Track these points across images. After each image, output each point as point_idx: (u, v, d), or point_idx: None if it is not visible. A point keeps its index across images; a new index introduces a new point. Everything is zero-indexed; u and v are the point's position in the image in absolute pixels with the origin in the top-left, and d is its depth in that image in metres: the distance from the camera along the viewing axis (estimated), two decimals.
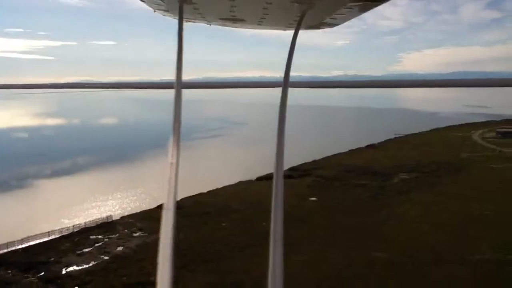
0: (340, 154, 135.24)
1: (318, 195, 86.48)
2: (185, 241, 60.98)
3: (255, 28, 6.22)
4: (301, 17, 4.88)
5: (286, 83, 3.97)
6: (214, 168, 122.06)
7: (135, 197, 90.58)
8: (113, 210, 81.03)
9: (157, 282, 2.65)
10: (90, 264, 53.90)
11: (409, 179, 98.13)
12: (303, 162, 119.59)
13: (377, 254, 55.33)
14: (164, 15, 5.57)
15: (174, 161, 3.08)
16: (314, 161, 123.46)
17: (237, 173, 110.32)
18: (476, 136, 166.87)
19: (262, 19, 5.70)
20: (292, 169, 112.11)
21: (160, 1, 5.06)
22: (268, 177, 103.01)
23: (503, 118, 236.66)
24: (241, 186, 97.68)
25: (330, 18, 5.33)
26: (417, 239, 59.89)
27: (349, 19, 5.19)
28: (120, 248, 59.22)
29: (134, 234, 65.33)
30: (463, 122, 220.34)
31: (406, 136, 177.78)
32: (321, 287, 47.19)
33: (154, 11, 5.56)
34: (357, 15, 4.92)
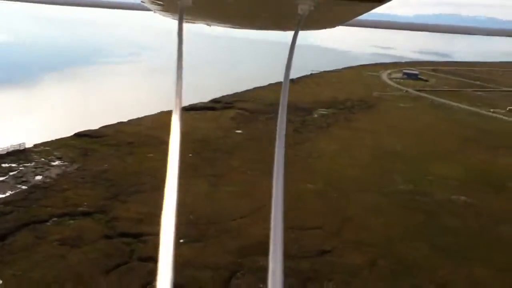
0: (260, 87, 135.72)
1: (243, 128, 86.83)
2: (112, 171, 58.38)
3: (255, 29, 6.42)
4: (301, 17, 4.75)
5: (286, 83, 3.88)
6: (131, 97, 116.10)
7: (41, 124, 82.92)
8: (21, 136, 73.89)
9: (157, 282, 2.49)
10: (7, 194, 49.47)
11: (328, 115, 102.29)
12: (224, 95, 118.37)
13: (307, 185, 57.88)
14: (164, 15, 5.56)
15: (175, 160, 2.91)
16: (236, 94, 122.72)
17: (157, 101, 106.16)
18: (384, 76, 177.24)
19: (262, 20, 5.73)
20: (214, 101, 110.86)
21: (160, 2, 4.98)
22: (192, 108, 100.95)
23: (407, 60, 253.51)
24: (163, 117, 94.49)
25: (331, 18, 5.40)
26: (340, 171, 63.56)
27: (350, 19, 5.23)
28: (39, 178, 54.89)
29: (53, 163, 60.76)
30: (372, 62, 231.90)
31: (321, 72, 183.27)
32: (257, 215, 48.48)
33: (154, 12, 5.52)
34: (358, 15, 4.96)
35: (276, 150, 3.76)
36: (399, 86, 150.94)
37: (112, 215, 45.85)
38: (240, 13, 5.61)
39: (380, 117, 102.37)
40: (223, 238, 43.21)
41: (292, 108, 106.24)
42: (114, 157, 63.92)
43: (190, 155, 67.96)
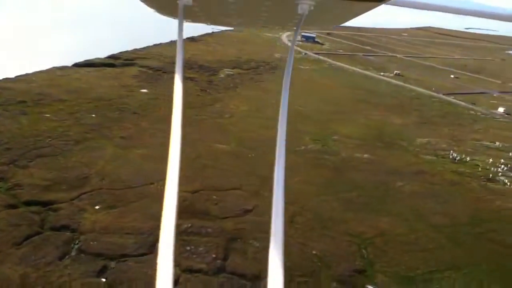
0: (162, 44, 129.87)
1: (148, 87, 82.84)
2: (6, 133, 52.15)
3: (255, 28, 5.26)
4: (301, 17, 4.79)
5: (286, 84, 3.63)
6: (14, 49, 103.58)
7: None
8: None
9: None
10: None
11: (234, 75, 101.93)
12: (123, 51, 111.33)
13: (221, 146, 57.65)
14: (164, 15, 5.61)
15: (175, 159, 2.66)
16: (136, 50, 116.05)
17: (46, 56, 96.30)
18: (284, 38, 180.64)
19: (262, 19, 5.68)
20: (112, 57, 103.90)
21: (160, 1, 5.03)
22: (88, 64, 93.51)
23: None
24: (56, 73, 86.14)
25: (332, 18, 5.43)
26: (253, 131, 64.25)
27: (350, 19, 5.26)
28: None
29: None
30: None
31: (222, 32, 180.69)
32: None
33: (154, 11, 5.55)
34: (358, 15, 5.02)
35: (277, 148, 3.38)
36: (298, 49, 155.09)
37: (13, 182, 41.19)
38: (240, 13, 5.46)
39: (280, 76, 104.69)
40: (143, 202, 41.50)
41: (197, 67, 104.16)
42: (6, 118, 56.97)
43: (93, 115, 63.44)
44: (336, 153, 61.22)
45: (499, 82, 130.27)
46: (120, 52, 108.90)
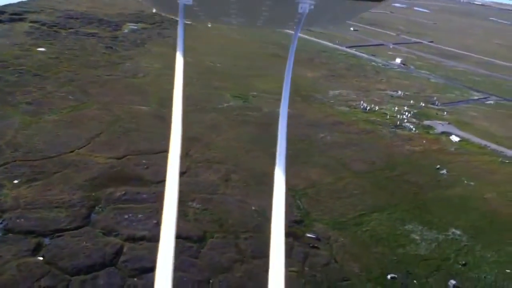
0: None
1: (44, 45, 74.83)
2: None
3: (255, 28, 5.80)
4: (302, 17, 4.77)
5: (287, 83, 3.75)
6: None
7: None
8: None
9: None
10: None
11: (139, 30, 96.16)
12: (7, 3, 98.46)
13: (140, 108, 54.80)
14: (164, 14, 5.24)
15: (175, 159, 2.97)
16: (21, 3, 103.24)
17: None
18: None
19: (262, 19, 5.60)
20: None
21: (160, 1, 5.06)
22: None
23: None
24: None
25: (332, 17, 5.34)
26: (171, 91, 61.62)
27: (350, 18, 5.15)
28: None
29: None
30: None
31: None
32: (96, 145, 44.14)
33: (154, 11, 5.46)
34: (358, 14, 5.06)
35: (278, 147, 3.49)
36: None
37: None
38: (240, 12, 5.40)
39: (196, 34, 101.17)
40: (67, 172, 38.34)
41: (96, 22, 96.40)
42: None
43: None
44: (258, 109, 61.68)
45: (393, 34, 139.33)
46: (4, 5, 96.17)
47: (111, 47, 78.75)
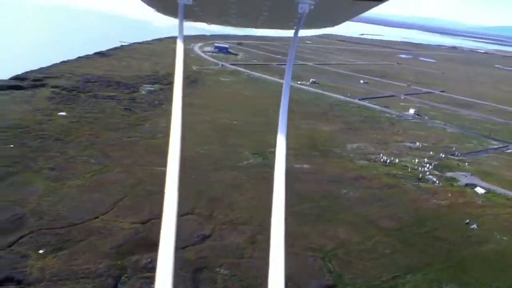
0: (69, 61, 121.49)
1: (65, 109, 76.47)
2: None
3: (255, 28, 6.36)
4: (302, 17, 4.79)
5: (287, 84, 3.87)
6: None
7: None
8: None
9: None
10: None
11: (156, 91, 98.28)
12: (28, 70, 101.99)
13: (160, 169, 54.69)
14: (164, 14, 5.63)
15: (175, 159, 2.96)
16: (42, 69, 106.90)
17: None
18: (197, 49, 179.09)
19: (262, 19, 5.67)
20: (18, 78, 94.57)
21: (160, 1, 5.06)
22: None
23: (213, 34, 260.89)
24: None
25: (331, 18, 5.47)
26: (192, 149, 62.08)
27: (350, 18, 5.30)
28: None
29: None
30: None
31: (131, 44, 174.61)
32: (120, 209, 43.70)
33: (154, 11, 5.52)
34: (358, 14, 5.05)
35: (277, 148, 3.52)
36: (214, 60, 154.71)
37: None
38: (240, 12, 5.45)
39: (208, 92, 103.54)
40: (92, 240, 37.70)
41: (115, 84, 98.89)
42: None
43: (12, 146, 56.87)
44: None
45: (404, 85, 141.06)
46: (26, 72, 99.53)
47: (130, 109, 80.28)
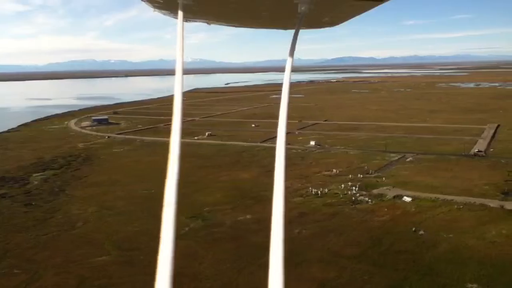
0: None
1: None
2: None
3: (255, 28, 6.36)
4: (302, 17, 4.87)
5: (286, 84, 4.16)
6: None
7: None
8: None
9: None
10: None
11: (50, 178, 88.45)
12: None
13: (99, 259, 48.46)
14: (164, 14, 5.57)
15: (175, 159, 3.24)
16: None
17: None
18: (73, 125, 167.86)
19: (263, 18, 5.83)
20: None
21: (160, 0, 5.05)
22: None
23: (81, 108, 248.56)
24: None
25: (331, 17, 5.53)
26: (123, 230, 56.51)
27: (350, 18, 5.42)
28: None
29: None
30: (44, 116, 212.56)
31: (10, 132, 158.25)
32: None
33: (154, 11, 5.52)
34: (358, 14, 5.21)
35: (277, 149, 3.54)
36: (98, 133, 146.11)
37: None
38: (240, 12, 5.61)
39: (108, 166, 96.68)
40: None
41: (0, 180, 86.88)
42: None
43: None
44: (221, 223, 58.88)
45: (296, 121, 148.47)
46: None
47: (31, 204, 70.56)
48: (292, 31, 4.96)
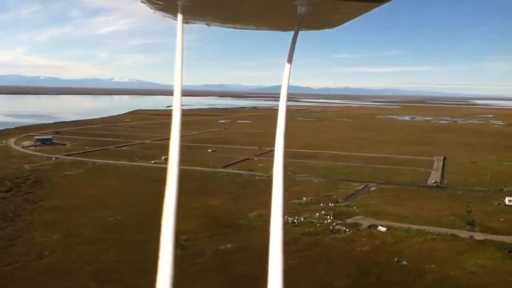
0: None
1: None
2: None
3: (255, 29, 6.23)
4: (302, 18, 4.92)
5: (285, 86, 4.14)
6: None
7: None
8: None
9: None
10: None
11: (0, 202, 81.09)
12: None
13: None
14: (163, 15, 5.51)
15: (175, 161, 3.30)
16: None
17: None
18: (14, 145, 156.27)
19: (262, 20, 5.86)
20: None
21: (159, 1, 4.99)
22: None
23: (17, 126, 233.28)
24: None
25: (331, 19, 5.54)
26: (95, 261, 52.53)
27: (351, 19, 5.36)
28: None
29: None
30: None
31: None
32: None
33: (154, 12, 5.48)
34: (358, 15, 5.20)
35: (276, 149, 3.61)
36: (43, 154, 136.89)
37: None
38: (240, 13, 5.55)
39: (62, 190, 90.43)
40: None
41: None
42: None
43: None
44: (202, 252, 56.62)
45: (248, 147, 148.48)
46: None
47: None
48: (291, 33, 4.91)
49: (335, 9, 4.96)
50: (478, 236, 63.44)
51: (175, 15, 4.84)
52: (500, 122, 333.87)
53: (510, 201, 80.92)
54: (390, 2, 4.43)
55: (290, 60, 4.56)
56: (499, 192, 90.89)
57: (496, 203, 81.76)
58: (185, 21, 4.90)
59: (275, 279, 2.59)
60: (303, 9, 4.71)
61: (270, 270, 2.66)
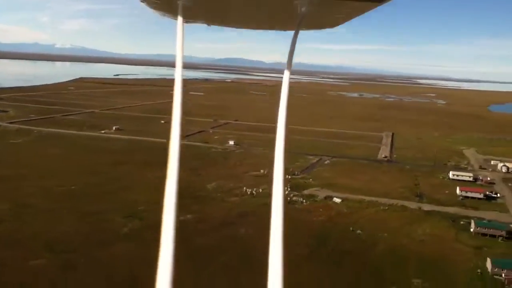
0: None
1: None
2: None
3: (255, 29, 6.32)
4: (302, 17, 4.85)
5: (285, 84, 4.04)
6: None
7: None
8: None
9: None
10: None
11: None
12: None
13: None
14: (163, 15, 5.48)
15: (175, 159, 3.22)
16: None
17: None
18: None
19: (262, 20, 5.92)
20: None
21: (160, 1, 5.03)
22: None
23: None
24: None
25: (332, 18, 5.47)
26: (46, 232, 50.74)
27: (351, 18, 5.31)
28: None
29: None
30: None
31: None
32: None
33: (154, 12, 5.45)
34: (358, 15, 5.17)
35: (276, 150, 3.48)
36: None
37: None
38: (240, 13, 5.59)
39: (9, 159, 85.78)
40: None
41: None
42: None
43: None
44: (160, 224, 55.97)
45: (211, 120, 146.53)
46: None
47: None
48: (292, 32, 4.88)
49: (335, 9, 4.92)
50: (426, 207, 67.17)
51: (175, 15, 4.70)
52: (442, 101, 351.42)
53: (454, 175, 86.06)
54: (390, 2, 4.36)
55: (290, 59, 4.45)
56: (443, 166, 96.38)
57: (441, 177, 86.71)
58: (185, 21, 4.71)
59: (275, 279, 2.57)
60: (303, 9, 4.63)
61: (270, 270, 2.63)
